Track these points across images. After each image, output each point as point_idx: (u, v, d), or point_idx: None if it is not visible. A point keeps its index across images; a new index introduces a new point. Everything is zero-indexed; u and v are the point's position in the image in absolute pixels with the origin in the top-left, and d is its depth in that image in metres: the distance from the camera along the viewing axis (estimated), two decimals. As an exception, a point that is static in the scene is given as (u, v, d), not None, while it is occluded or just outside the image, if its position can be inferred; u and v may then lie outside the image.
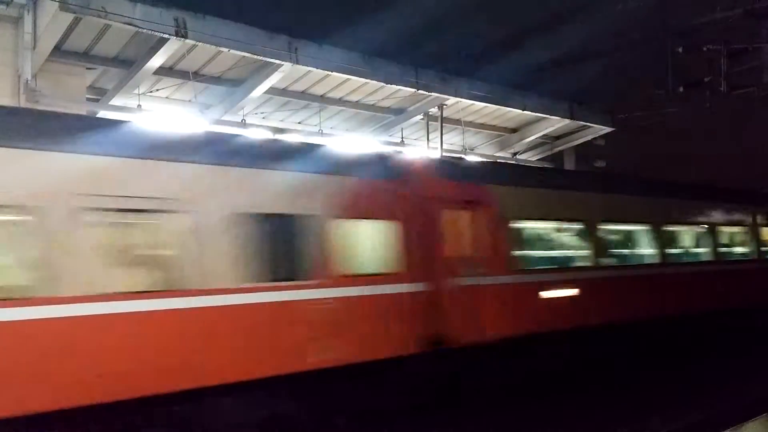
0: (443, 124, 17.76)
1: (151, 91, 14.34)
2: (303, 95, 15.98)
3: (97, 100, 13.90)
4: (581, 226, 11.33)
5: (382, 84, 15.58)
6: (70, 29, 11.78)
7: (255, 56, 13.08)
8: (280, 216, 7.43)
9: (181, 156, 7.02)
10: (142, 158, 6.71)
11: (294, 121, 17.00)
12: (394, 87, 15.83)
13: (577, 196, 11.53)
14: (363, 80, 15.30)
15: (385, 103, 17.30)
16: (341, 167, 8.43)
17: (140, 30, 11.57)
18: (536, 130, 20.53)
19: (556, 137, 22.02)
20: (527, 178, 11.59)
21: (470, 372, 9.08)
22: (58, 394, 5.90)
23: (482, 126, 20.02)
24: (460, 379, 9.04)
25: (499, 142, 21.07)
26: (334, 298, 7.68)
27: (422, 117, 17.97)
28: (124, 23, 11.31)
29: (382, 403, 8.09)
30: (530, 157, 22.24)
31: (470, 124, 19.45)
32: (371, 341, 7.97)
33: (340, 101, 16.60)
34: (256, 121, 16.00)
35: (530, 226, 10.63)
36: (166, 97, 14.72)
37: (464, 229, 9.34)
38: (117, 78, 13.64)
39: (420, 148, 18.25)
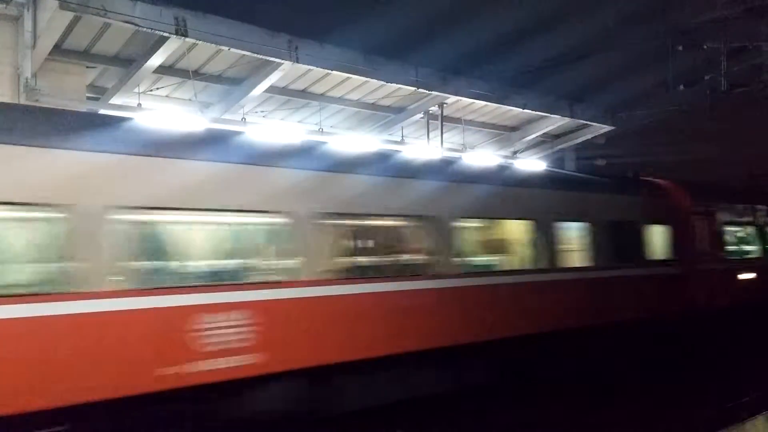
0: (443, 123, 17.76)
1: (151, 90, 14.35)
2: (303, 94, 15.98)
3: (97, 99, 13.90)
4: (754, 229, 15.69)
5: (383, 83, 15.57)
6: (70, 28, 11.78)
7: (255, 55, 13.08)
8: (628, 222, 11.96)
9: (575, 188, 11.62)
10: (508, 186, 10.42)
11: (294, 120, 17.02)
12: (395, 86, 15.83)
13: (751, 208, 15.96)
14: (363, 79, 15.29)
15: (386, 102, 17.29)
16: (640, 190, 13.30)
17: (140, 28, 11.57)
18: (536, 128, 20.52)
19: (556, 136, 22.01)
20: (725, 195, 15.77)
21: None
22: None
23: (482, 124, 20.01)
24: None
25: (500, 140, 21.07)
26: (644, 275, 11.99)
27: (422, 115, 17.97)
28: (124, 22, 11.30)
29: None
30: (530, 156, 22.23)
31: (470, 122, 19.44)
32: (658, 304, 12.13)
33: (340, 100, 16.60)
34: (256, 119, 16.01)
35: (729, 229, 14.87)
36: (166, 96, 14.73)
37: (700, 230, 13.61)
38: (117, 77, 13.65)
39: (420, 147, 18.25)
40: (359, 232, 8.64)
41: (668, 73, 14.89)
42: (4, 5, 11.50)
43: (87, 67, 13.25)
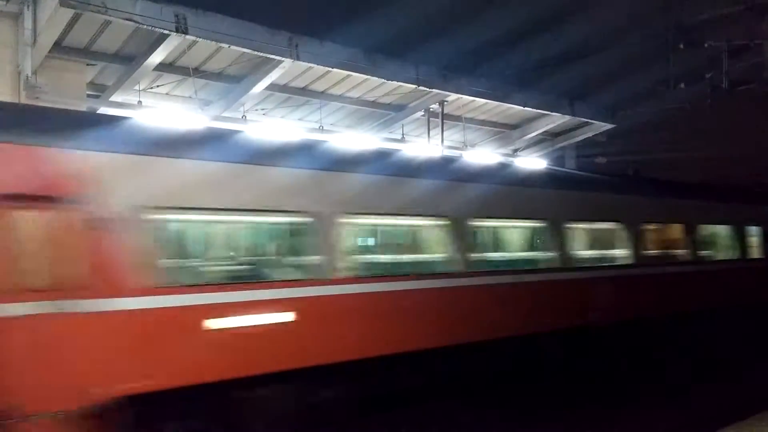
0: (444, 121, 17.75)
1: (151, 88, 14.34)
2: (303, 91, 15.97)
3: (97, 97, 13.89)
4: None
5: (383, 80, 15.55)
6: (70, 25, 11.76)
7: (255, 52, 13.07)
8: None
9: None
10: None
11: (294, 118, 17.01)
12: (395, 83, 15.81)
13: None
14: (364, 76, 15.27)
15: (386, 100, 17.27)
16: (751, 197, 15.21)
17: (141, 26, 11.55)
18: (537, 126, 20.51)
19: (556, 134, 22.00)
20: None
21: None
22: None
23: (483, 122, 20.00)
24: None
25: (500, 138, 21.06)
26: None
27: (423, 113, 17.95)
28: (125, 19, 11.29)
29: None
30: (531, 154, 22.23)
31: (471, 120, 19.44)
32: (749, 292, 13.79)
33: (340, 98, 16.58)
34: (257, 117, 16.00)
35: None
36: (167, 94, 14.72)
37: None
38: (117, 74, 13.63)
39: (420, 145, 18.24)
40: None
41: (669, 72, 14.87)
42: (5, 2, 11.48)
43: (87, 64, 13.24)
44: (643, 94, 18.52)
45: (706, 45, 13.79)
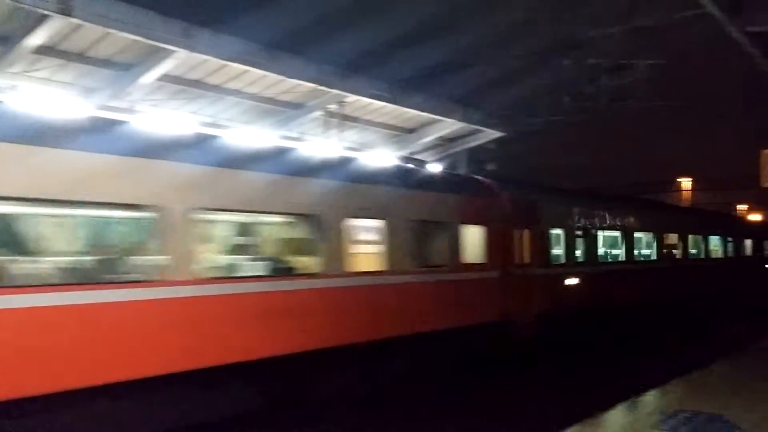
0: (342, 122, 17.75)
1: (28, 72, 13.28)
2: (198, 84, 15.41)
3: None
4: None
5: (282, 77, 15.33)
6: (-65, -3, 10.67)
7: (146, 40, 12.46)
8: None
9: None
10: None
11: (188, 111, 16.36)
12: (294, 81, 15.63)
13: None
14: (262, 72, 14.97)
15: (285, 98, 17.03)
16: None
17: (20, 5, 10.67)
18: (432, 131, 21.01)
19: (451, 139, 22.63)
20: None
21: None
22: None
23: (381, 125, 20.21)
24: None
25: (397, 141, 21.37)
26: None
27: (322, 113, 17.87)
28: (1, -5, 10.39)
29: None
30: (426, 158, 22.71)
31: (369, 122, 19.57)
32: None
33: (237, 92, 16.15)
34: (146, 108, 15.24)
35: None
36: (46, 78, 13.69)
37: None
38: (-11, 54, 12.52)
39: (317, 145, 18.14)
40: None
41: (554, 84, 15.75)
42: None
43: (-47, 42, 12.07)
44: (529, 105, 19.50)
45: (590, 61, 14.71)
